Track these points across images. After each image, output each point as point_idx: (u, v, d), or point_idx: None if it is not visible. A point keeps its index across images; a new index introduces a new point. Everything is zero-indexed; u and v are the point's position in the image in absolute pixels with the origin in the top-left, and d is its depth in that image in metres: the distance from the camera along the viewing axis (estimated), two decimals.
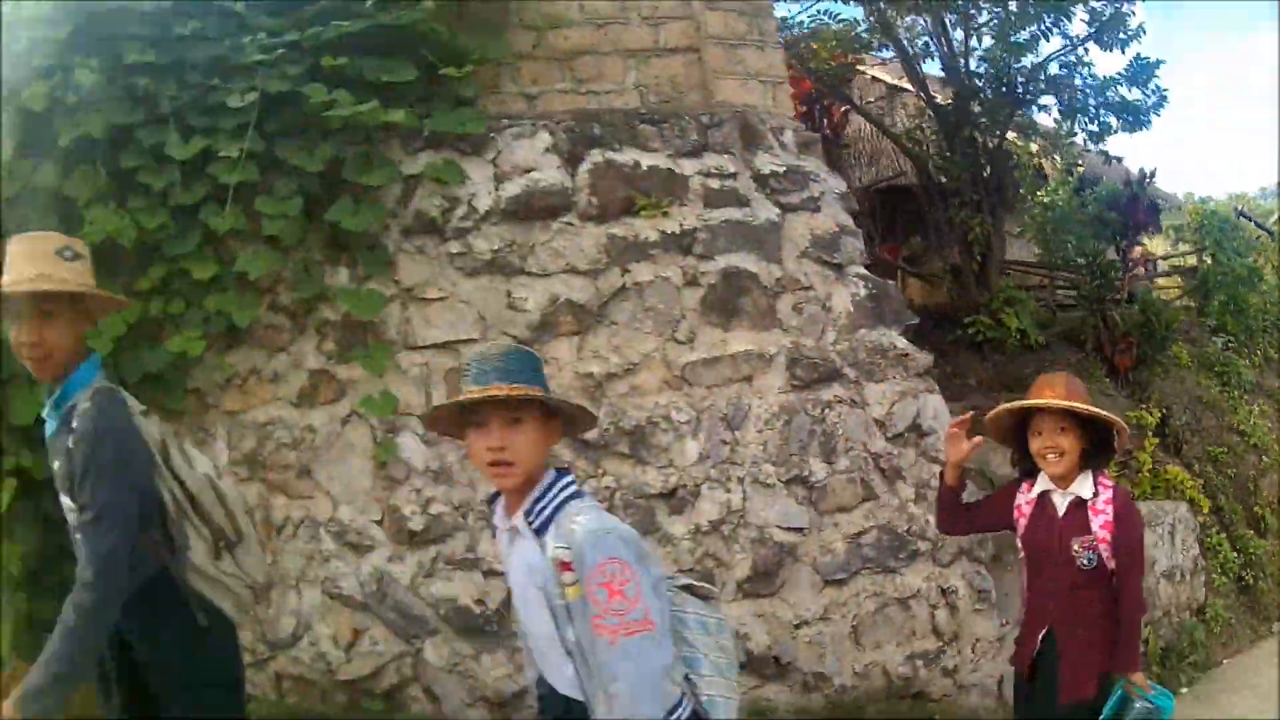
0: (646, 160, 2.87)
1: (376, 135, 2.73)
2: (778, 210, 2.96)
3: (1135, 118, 4.67)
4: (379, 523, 2.65)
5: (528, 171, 2.82)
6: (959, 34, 5.10)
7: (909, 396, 2.91)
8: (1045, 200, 5.43)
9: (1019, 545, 1.98)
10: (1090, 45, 4.80)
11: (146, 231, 2.57)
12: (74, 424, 1.46)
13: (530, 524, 1.31)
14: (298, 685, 2.60)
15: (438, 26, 2.80)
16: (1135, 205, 4.98)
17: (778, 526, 2.77)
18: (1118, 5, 4.72)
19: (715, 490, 2.74)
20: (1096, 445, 1.88)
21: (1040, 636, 1.88)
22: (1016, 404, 1.92)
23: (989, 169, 4.86)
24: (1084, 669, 1.82)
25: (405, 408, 2.65)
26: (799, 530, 2.78)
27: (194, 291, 2.60)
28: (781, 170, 2.99)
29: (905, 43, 5.27)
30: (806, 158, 3.09)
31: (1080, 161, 5.74)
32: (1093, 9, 4.73)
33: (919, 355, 2.97)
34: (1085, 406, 1.86)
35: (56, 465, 1.52)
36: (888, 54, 5.89)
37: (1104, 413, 1.91)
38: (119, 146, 2.60)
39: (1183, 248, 6.29)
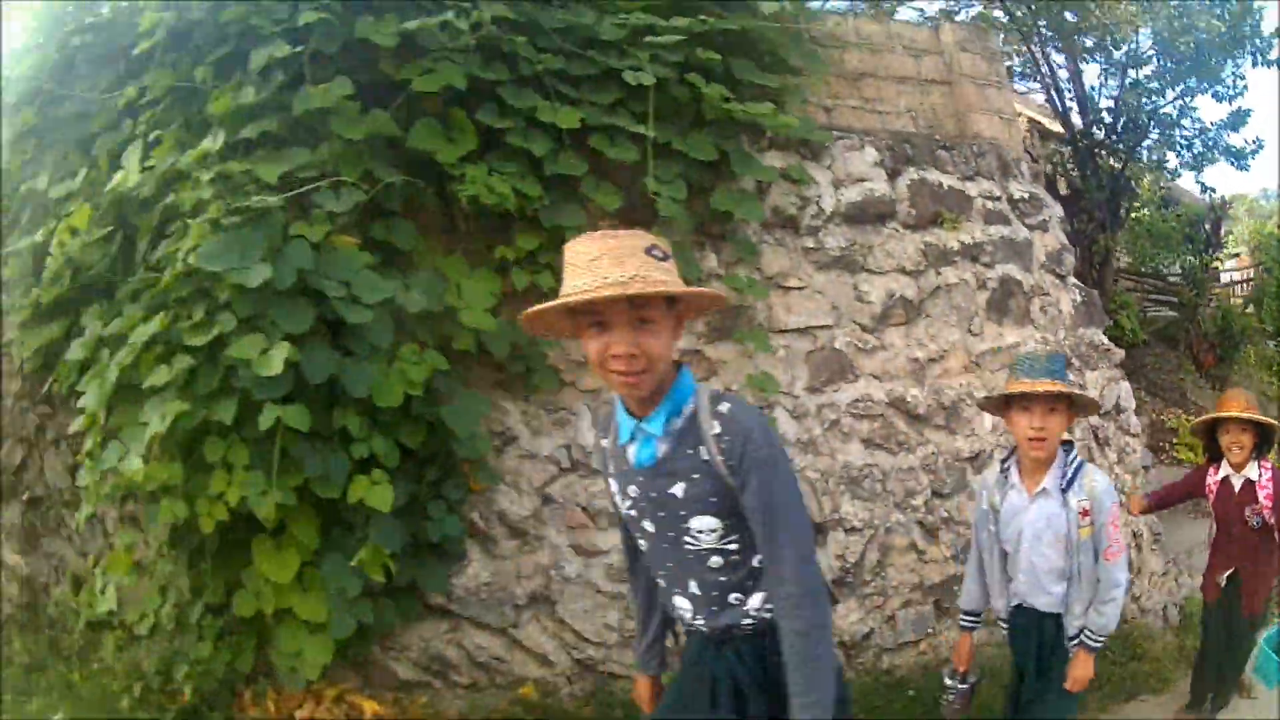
0: (946, 180, 3.41)
1: (741, 132, 2.98)
2: (1026, 229, 3.64)
3: (1240, 161, 6.01)
4: None
5: (861, 181, 3.24)
6: (1091, 70, 6.24)
7: (1112, 382, 3.74)
8: (1135, 217, 6.69)
9: (1210, 511, 2.82)
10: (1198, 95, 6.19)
11: (526, 199, 2.61)
12: (716, 434, 1.24)
13: (1061, 487, 1.95)
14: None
15: (775, 33, 3.09)
16: (1217, 226, 6.45)
17: None
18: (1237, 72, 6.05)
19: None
20: (1262, 440, 2.72)
21: (1226, 575, 2.71)
22: (1212, 416, 2.76)
23: (1110, 191, 6.00)
24: (1258, 594, 2.69)
25: (774, 386, 2.96)
26: None
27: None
28: (1026, 196, 3.67)
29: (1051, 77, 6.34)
30: (1037, 186, 3.80)
31: (1168, 186, 7.18)
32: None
33: (1115, 350, 3.82)
34: (1264, 418, 2.70)
35: (680, 488, 1.27)
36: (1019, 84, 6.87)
37: (1272, 420, 2.77)
38: (469, 103, 2.50)
39: (1237, 260, 7.73)
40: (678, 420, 1.28)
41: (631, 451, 1.32)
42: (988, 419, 3.32)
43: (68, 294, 2.78)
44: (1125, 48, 5.99)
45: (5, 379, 3.42)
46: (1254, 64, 5.99)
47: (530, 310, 1.27)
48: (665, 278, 1.21)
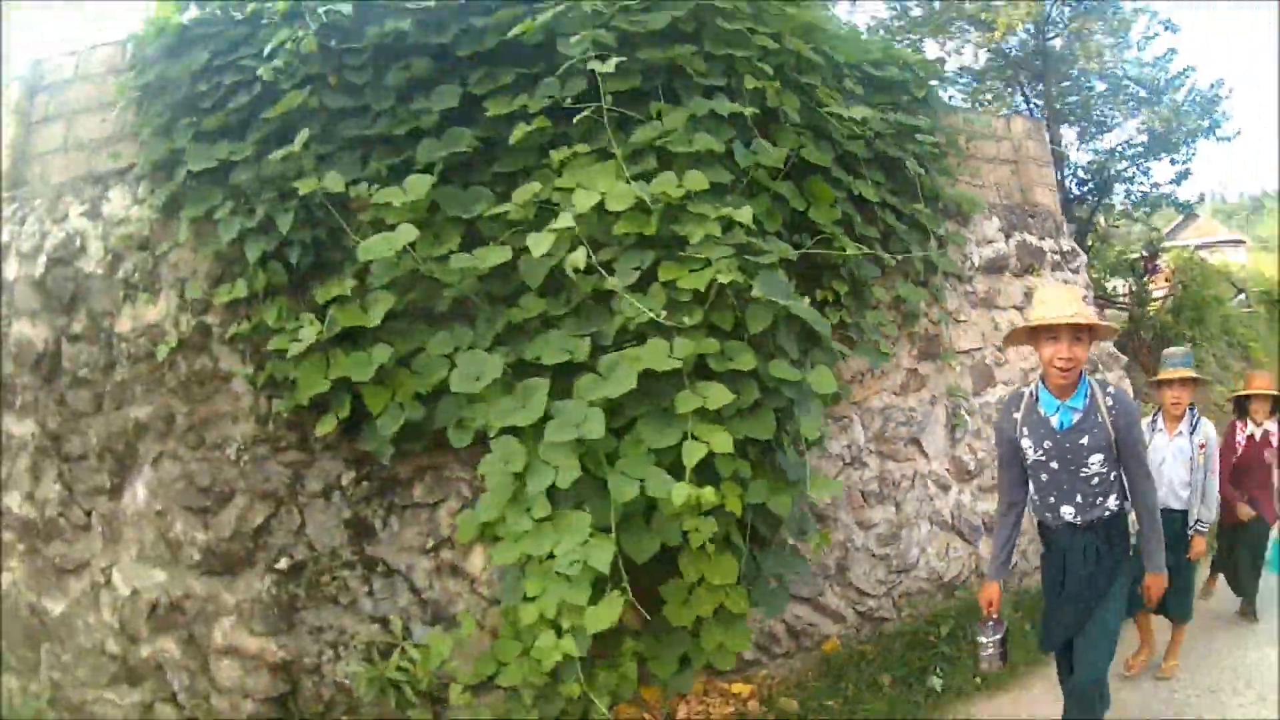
0: (1031, 240, 4.72)
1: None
2: (1070, 272, 5.08)
3: (1186, 208, 8.39)
4: (949, 470, 4.02)
5: (991, 242, 4.44)
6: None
7: (1121, 380, 5.31)
8: (1092, 249, 8.70)
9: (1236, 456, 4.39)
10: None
11: (866, 240, 3.47)
12: (1109, 408, 2.33)
13: (1189, 430, 3.36)
14: (910, 601, 3.81)
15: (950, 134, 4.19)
16: (1155, 257, 8.66)
17: None
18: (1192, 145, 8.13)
19: None
20: (1276, 404, 4.39)
21: (1248, 500, 4.26)
22: (1243, 392, 4.33)
23: (1079, 232, 7.84)
24: (1270, 508, 4.26)
25: (962, 391, 4.07)
26: None
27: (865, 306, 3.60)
28: (1069, 249, 5.12)
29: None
30: (1072, 240, 5.26)
31: (1117, 224, 9.37)
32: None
33: (1121, 356, 5.40)
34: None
35: (1086, 439, 2.30)
36: None
37: None
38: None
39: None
40: (1085, 400, 2.32)
41: (1055, 419, 2.34)
42: None
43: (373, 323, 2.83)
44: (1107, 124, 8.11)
45: (227, 423, 3.07)
46: (1210, 139, 8.34)
47: (1013, 330, 2.42)
48: (1094, 314, 2.27)
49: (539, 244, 2.72)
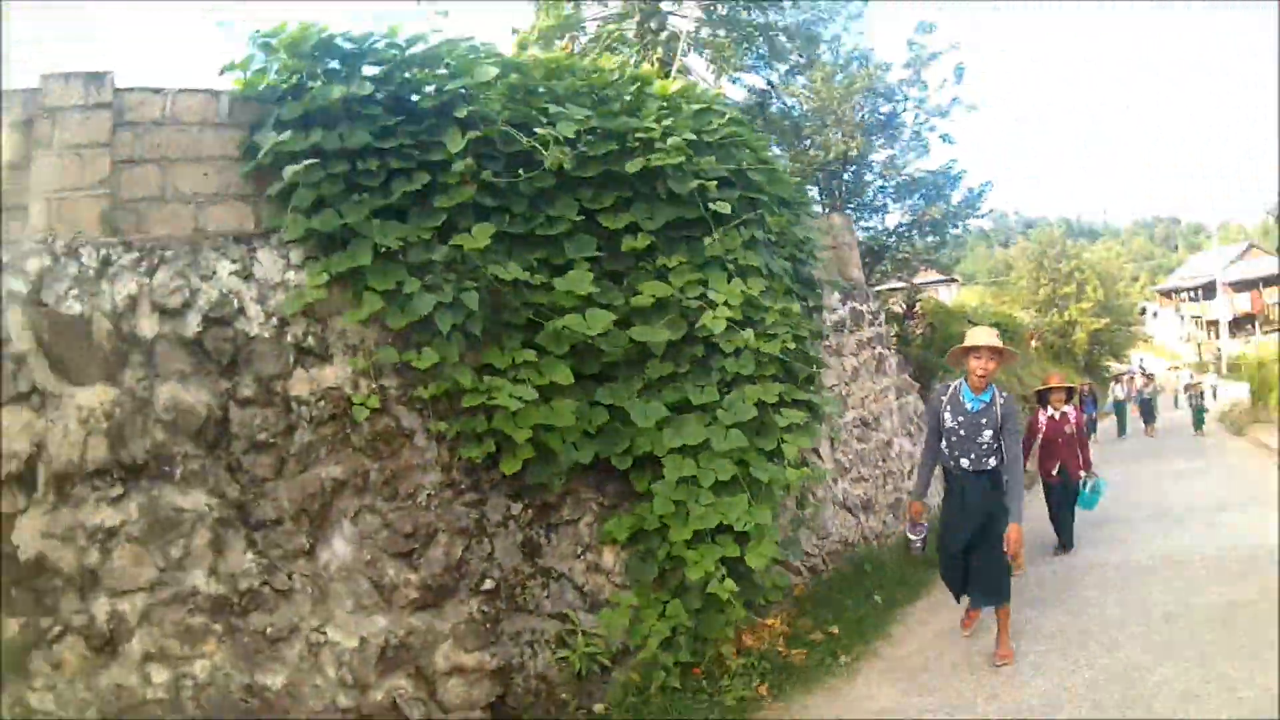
0: (855, 305, 7.35)
1: None
2: (879, 327, 7.89)
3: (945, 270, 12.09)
4: (833, 468, 6.26)
5: (834, 310, 6.87)
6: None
7: (914, 399, 8.34)
8: None
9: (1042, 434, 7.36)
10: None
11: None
12: (1001, 405, 4.12)
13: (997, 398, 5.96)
14: (832, 557, 5.93)
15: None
16: (914, 305, 12.10)
17: None
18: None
19: None
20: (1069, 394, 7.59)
21: (1057, 466, 6.89)
22: (1043, 386, 7.40)
23: None
24: (1075, 467, 6.91)
25: (835, 414, 6.35)
26: None
27: None
28: (875, 309, 7.93)
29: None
30: (876, 302, 8.11)
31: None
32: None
33: (914, 383, 8.45)
34: (1071, 383, 7.65)
35: (984, 420, 4.10)
36: None
37: (1077, 382, 7.86)
38: None
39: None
40: (990, 397, 4.44)
41: (969, 403, 4.39)
42: (886, 421, 7.41)
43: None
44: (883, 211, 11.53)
45: (416, 474, 3.50)
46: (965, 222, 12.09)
47: (952, 350, 4.51)
48: (1001, 344, 4.44)
49: (717, 325, 3.99)
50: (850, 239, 7.95)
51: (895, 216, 11.75)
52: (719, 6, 8.66)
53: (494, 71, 3.82)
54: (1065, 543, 6.33)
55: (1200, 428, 15.32)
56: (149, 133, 3.49)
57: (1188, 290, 44.08)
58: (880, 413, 7.06)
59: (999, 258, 28.67)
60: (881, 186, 11.30)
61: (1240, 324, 38.09)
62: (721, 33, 8.97)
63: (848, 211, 10.27)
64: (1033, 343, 16.15)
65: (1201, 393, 16.47)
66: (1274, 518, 6.31)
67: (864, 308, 7.42)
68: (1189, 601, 4.61)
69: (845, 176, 10.49)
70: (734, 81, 10.56)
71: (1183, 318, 44.66)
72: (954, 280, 25.50)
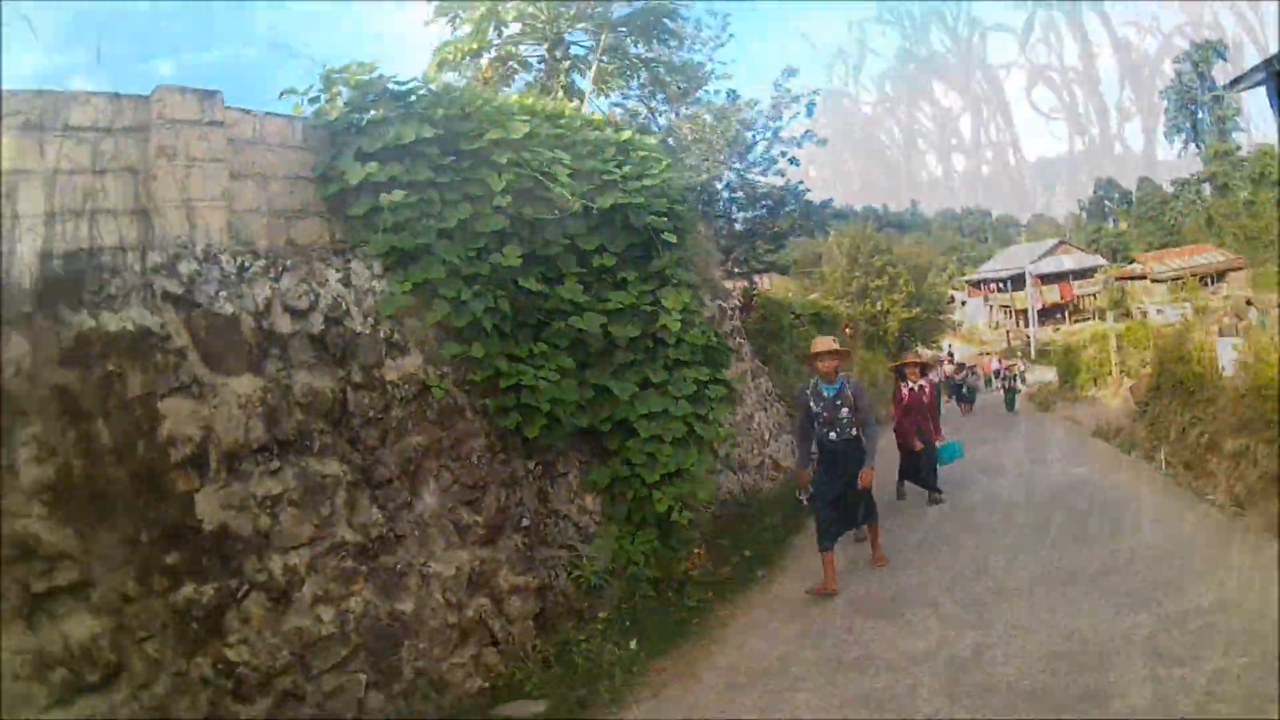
0: (720, 303, 9.57)
1: None
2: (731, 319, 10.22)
3: (784, 271, 14.64)
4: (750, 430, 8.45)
5: (705, 309, 9.04)
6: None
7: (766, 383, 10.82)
8: None
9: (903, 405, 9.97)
10: None
11: None
12: (851, 389, 6.02)
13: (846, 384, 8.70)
14: (751, 486, 8.08)
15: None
16: (751, 300, 14.26)
17: None
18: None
19: None
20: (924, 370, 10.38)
21: (916, 430, 9.56)
22: (898, 363, 9.97)
23: None
24: (932, 432, 9.33)
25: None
26: None
27: None
28: (732, 306, 10.23)
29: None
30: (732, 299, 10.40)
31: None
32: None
33: (764, 366, 10.95)
34: (924, 360, 10.52)
35: (840, 400, 5.91)
36: None
37: (928, 359, 10.54)
38: None
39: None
40: (839, 385, 6.77)
41: (826, 392, 6.70)
42: (747, 398, 9.78)
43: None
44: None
45: (470, 440, 4.57)
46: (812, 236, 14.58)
47: (807, 356, 7.00)
48: (840, 347, 6.87)
49: (675, 324, 5.69)
50: (710, 245, 10.16)
51: (739, 224, 14.45)
52: (605, 36, 10.10)
53: (526, 129, 4.96)
54: (936, 492, 7.85)
55: (1012, 409, 17.16)
56: (244, 150, 3.95)
57: (996, 282, 47.03)
58: (743, 391, 9.39)
59: (811, 247, 30.18)
60: (731, 198, 14.06)
61: (1049, 313, 40.70)
62: (605, 58, 10.43)
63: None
64: (847, 330, 19.05)
65: (1013, 376, 18.42)
66: (1079, 470, 8.78)
67: (726, 304, 9.69)
68: (1011, 519, 6.84)
69: (696, 188, 12.89)
70: (614, 106, 12.26)
71: (990, 307, 48.04)
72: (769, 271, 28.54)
